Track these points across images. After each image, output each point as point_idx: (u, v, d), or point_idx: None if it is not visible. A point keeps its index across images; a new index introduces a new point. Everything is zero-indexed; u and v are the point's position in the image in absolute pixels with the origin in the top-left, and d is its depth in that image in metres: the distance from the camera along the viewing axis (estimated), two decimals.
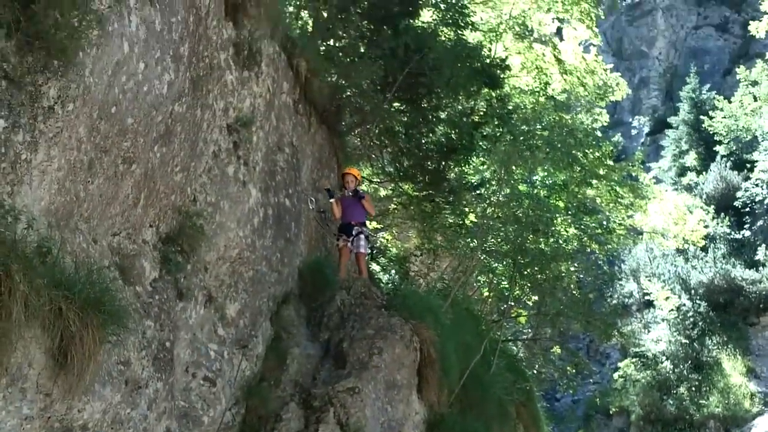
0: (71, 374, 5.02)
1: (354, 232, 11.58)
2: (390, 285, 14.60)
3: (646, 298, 32.26)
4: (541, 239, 14.30)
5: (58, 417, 5.18)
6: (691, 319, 31.56)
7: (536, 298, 16.04)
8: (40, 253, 4.91)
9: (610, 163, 19.21)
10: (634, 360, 31.23)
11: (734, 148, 37.49)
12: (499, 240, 14.43)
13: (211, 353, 7.37)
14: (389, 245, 17.72)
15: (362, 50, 13.21)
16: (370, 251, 14.02)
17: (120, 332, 5.47)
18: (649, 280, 32.31)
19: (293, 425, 8.36)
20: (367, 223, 12.57)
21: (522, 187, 15.90)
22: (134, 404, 5.97)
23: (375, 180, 16.22)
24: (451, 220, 16.18)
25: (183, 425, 6.75)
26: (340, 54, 13.13)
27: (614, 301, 28.07)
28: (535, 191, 16.69)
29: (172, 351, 6.55)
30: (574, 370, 20.81)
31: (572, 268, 16.72)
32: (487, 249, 14.87)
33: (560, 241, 15.77)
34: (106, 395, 5.62)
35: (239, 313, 8.10)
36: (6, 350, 4.50)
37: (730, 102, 36.98)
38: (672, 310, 31.10)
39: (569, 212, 17.22)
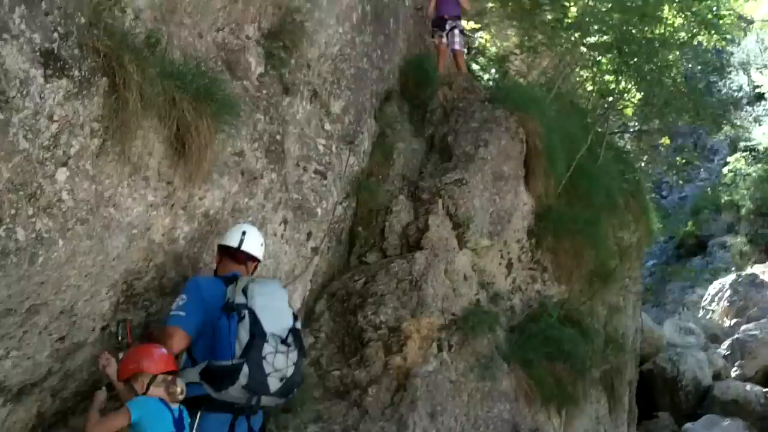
0: (190, 163, 5.19)
1: (447, 27, 11.39)
2: (491, 83, 14.43)
3: (757, 91, 31.11)
4: (648, 27, 13.77)
5: (181, 204, 5.41)
6: None
7: (642, 94, 15.69)
8: (149, 44, 4.98)
9: None
10: (744, 154, 30.54)
11: None
12: (603, 31, 13.98)
13: (320, 147, 7.49)
14: (487, 45, 17.40)
15: None
16: (467, 49, 13.83)
17: (233, 122, 5.59)
18: (760, 73, 31.05)
19: (403, 217, 8.55)
20: (464, 22, 12.33)
21: None
22: (251, 194, 6.18)
23: None
24: (550, 17, 15.70)
25: (298, 216, 6.97)
26: None
27: (723, 94, 27.18)
28: None
29: (282, 144, 6.69)
30: (683, 160, 20.50)
31: (680, 59, 16.16)
32: (590, 43, 14.47)
33: (668, 31, 15.18)
34: (225, 184, 5.83)
35: (344, 110, 8.15)
36: (127, 139, 4.65)
37: None
38: None
39: None
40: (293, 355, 5.19)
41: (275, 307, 5.27)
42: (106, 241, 4.74)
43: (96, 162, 4.49)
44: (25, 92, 3.91)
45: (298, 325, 5.36)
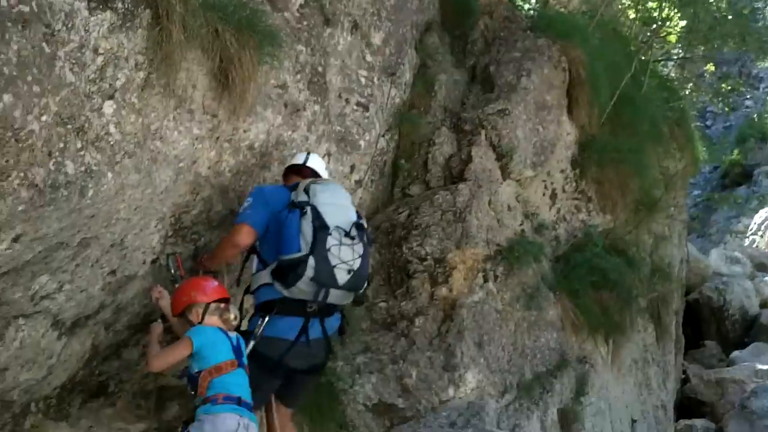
0: (234, 95, 5.18)
1: None
2: (532, 12, 14.19)
3: None
4: None
5: (225, 137, 5.42)
6: None
7: (685, 21, 15.36)
8: None
9: None
10: None
11: None
12: None
13: (362, 79, 7.44)
14: None
15: None
16: None
17: (275, 53, 5.56)
18: None
19: (446, 149, 8.51)
20: None
21: None
22: (295, 126, 6.18)
23: None
24: None
25: (341, 148, 6.97)
26: None
27: None
28: None
29: (324, 76, 6.65)
30: (729, 87, 20.10)
31: None
32: None
33: None
34: (268, 117, 5.83)
35: (384, 42, 8.07)
36: (171, 72, 4.64)
37: None
38: None
39: None
40: (359, 248, 5.27)
41: (337, 203, 5.39)
42: (154, 174, 4.77)
43: (141, 95, 4.50)
44: (70, 25, 3.90)
45: (363, 220, 5.47)
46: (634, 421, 9.49)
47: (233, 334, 5.06)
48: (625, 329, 8.91)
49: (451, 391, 7.17)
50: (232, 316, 5.08)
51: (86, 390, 6.09)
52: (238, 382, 4.94)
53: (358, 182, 7.36)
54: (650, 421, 10.27)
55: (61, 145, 3.98)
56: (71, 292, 4.94)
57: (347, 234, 5.26)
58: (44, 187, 3.93)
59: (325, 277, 5.12)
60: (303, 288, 5.15)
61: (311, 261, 5.10)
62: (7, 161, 3.70)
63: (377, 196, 8.00)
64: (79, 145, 4.09)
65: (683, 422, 13.92)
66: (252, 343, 5.20)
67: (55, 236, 4.36)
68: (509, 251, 7.92)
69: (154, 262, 5.43)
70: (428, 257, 7.71)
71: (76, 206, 4.21)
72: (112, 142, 4.29)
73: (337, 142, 6.87)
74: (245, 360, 5.07)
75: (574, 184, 9.43)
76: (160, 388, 6.48)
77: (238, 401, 4.86)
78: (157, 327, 5.18)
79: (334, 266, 5.15)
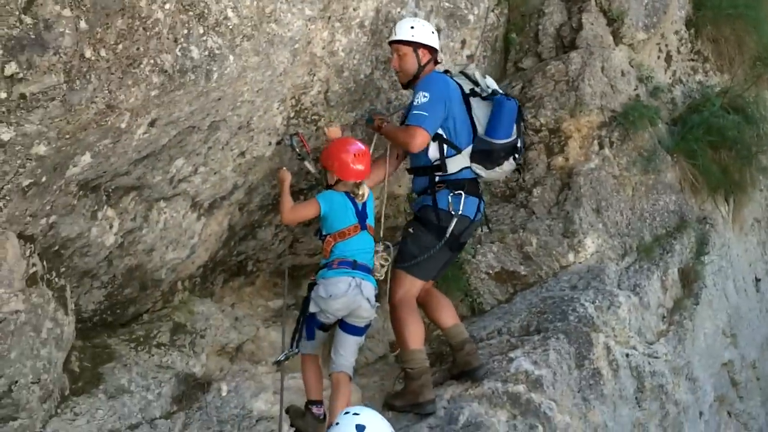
0: None
1: None
2: None
3: None
4: None
5: (336, 16, 5.59)
6: None
7: None
8: None
9: None
10: None
11: None
12: None
13: None
14: None
15: None
16: None
17: None
18: None
19: (556, 18, 8.43)
20: None
21: None
22: (403, 3, 6.28)
23: None
24: None
25: (451, 24, 7.01)
26: None
27: None
28: None
29: None
30: None
31: None
32: None
33: None
34: None
35: None
36: None
37: None
38: None
39: None
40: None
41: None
42: (272, 56, 5.00)
43: None
44: None
45: None
46: (758, 280, 9.43)
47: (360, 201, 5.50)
48: (745, 188, 8.76)
49: (571, 257, 7.35)
50: (360, 192, 5.48)
51: (227, 269, 6.55)
52: (359, 247, 5.45)
53: (470, 57, 7.42)
54: None
55: (185, 31, 4.24)
56: (206, 174, 5.30)
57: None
58: (173, 72, 4.22)
59: (520, 160, 6.08)
60: (506, 169, 6.01)
61: (518, 143, 5.94)
62: (137, 49, 3.99)
63: (490, 71, 8.04)
64: (201, 31, 4.34)
65: None
66: (454, 221, 5.84)
67: (186, 120, 4.67)
68: (624, 116, 7.88)
69: (279, 143, 5.73)
70: (543, 128, 7.79)
71: (204, 89, 4.50)
72: (230, 26, 4.53)
73: (446, 18, 6.93)
74: (371, 221, 5.57)
75: (689, 45, 9.19)
76: (293, 267, 6.88)
77: (353, 264, 5.36)
78: (286, 174, 5.56)
79: (519, 149, 6.03)
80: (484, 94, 5.95)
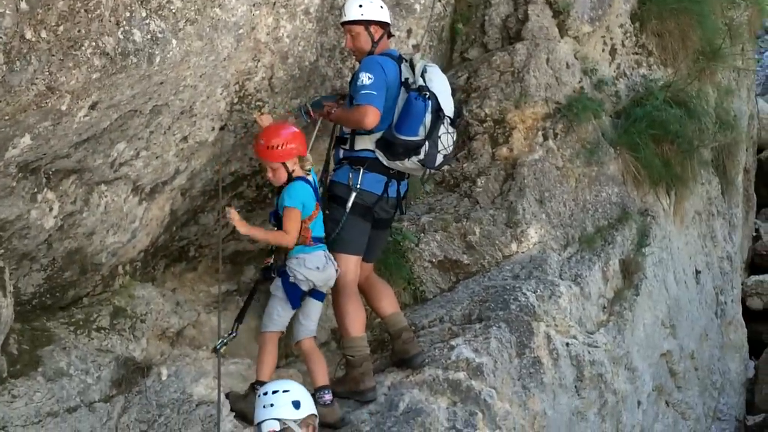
0: None
1: None
2: None
3: None
4: None
5: (281, 2, 5.58)
6: None
7: None
8: None
9: None
10: None
11: None
12: None
13: None
14: None
15: None
16: None
17: None
18: None
19: (502, 9, 8.48)
20: None
21: None
22: None
23: None
24: None
25: (396, 13, 7.00)
26: None
27: None
28: None
29: None
30: None
31: None
32: None
33: None
34: None
35: None
36: None
37: None
38: None
39: None
40: (454, 135, 6.11)
41: (446, 91, 6.15)
42: (216, 41, 4.97)
43: None
44: None
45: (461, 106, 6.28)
46: (698, 272, 9.61)
47: (309, 177, 5.82)
48: (687, 181, 8.92)
49: (513, 246, 7.44)
50: (308, 165, 5.82)
51: (169, 255, 6.53)
52: (320, 223, 5.87)
53: (416, 47, 7.44)
54: (715, 272, 10.36)
55: (128, 14, 4.19)
56: (147, 158, 5.27)
57: (452, 122, 6.04)
58: (115, 55, 4.17)
59: (429, 161, 5.96)
60: (408, 165, 6.00)
61: (426, 146, 5.89)
62: (79, 31, 3.94)
63: (436, 61, 8.05)
64: (143, 14, 4.30)
65: (754, 278, 14.02)
66: (354, 194, 5.95)
67: (128, 103, 4.64)
68: (568, 108, 7.98)
69: (222, 128, 5.72)
70: (488, 118, 7.87)
71: (146, 73, 4.46)
72: (174, 10, 4.49)
73: (392, 7, 6.92)
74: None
75: (634, 39, 9.28)
76: (236, 253, 6.87)
77: (323, 240, 5.86)
78: (234, 212, 5.67)
79: (438, 152, 5.95)
80: (413, 87, 5.96)
